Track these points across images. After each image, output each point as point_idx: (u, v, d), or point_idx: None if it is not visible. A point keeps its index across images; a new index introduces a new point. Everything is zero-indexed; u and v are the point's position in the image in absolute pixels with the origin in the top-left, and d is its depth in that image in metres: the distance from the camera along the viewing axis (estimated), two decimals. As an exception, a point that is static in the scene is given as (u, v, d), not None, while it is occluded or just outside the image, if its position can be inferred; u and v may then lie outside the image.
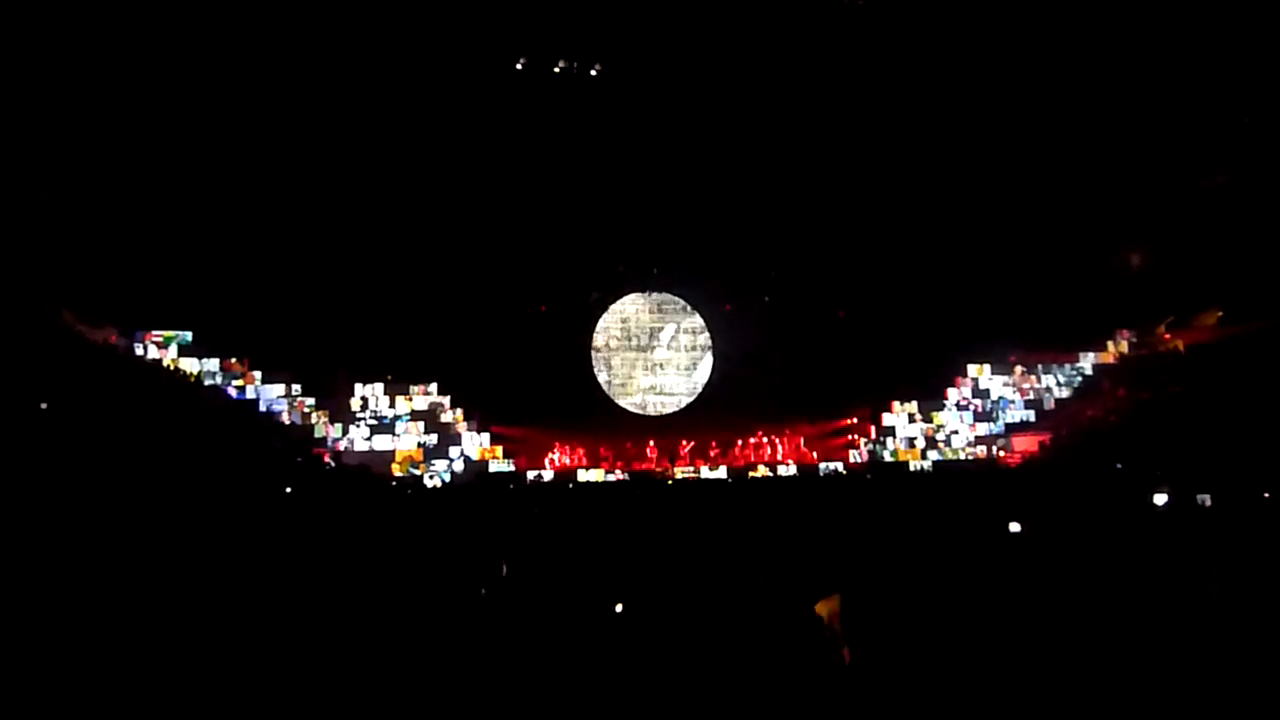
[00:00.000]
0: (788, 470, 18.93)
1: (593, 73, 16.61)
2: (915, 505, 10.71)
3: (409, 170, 17.74)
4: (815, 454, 19.78)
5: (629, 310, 21.17)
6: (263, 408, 17.29)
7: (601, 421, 19.91)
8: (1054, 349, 20.84)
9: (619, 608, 4.52)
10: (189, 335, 17.08)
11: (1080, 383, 20.79)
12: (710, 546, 7.16)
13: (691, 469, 18.85)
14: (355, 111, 16.45)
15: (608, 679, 3.73)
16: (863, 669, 3.69)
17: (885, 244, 19.79)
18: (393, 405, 18.33)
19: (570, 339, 20.45)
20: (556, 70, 16.52)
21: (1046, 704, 3.42)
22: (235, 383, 17.30)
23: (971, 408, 20.44)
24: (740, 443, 19.78)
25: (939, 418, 20.28)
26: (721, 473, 18.69)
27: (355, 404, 18.15)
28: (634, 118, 17.47)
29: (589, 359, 20.77)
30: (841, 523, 8.90)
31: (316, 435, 17.42)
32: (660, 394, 21.09)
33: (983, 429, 20.21)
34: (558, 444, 19.06)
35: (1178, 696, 3.38)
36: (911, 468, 19.25)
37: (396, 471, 17.40)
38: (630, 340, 21.09)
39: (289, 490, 11.35)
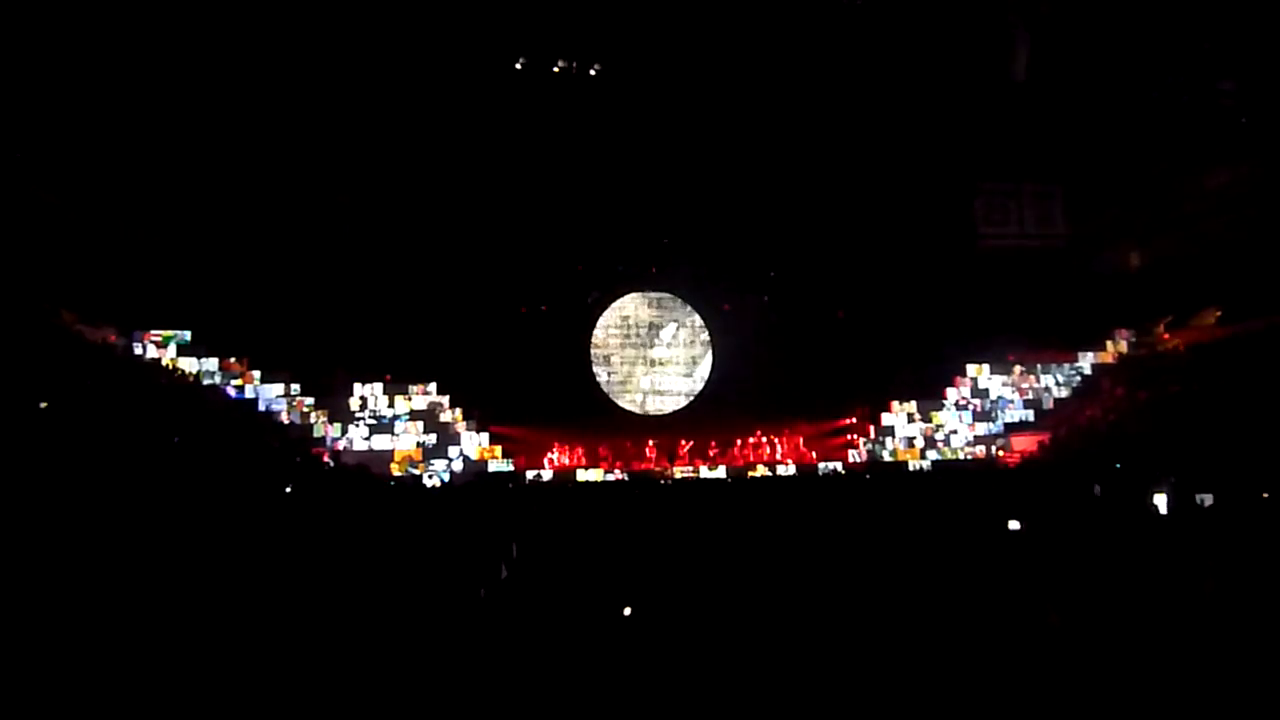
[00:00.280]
0: (787, 470, 18.95)
1: (592, 73, 16.61)
2: (914, 505, 10.69)
3: (408, 170, 17.74)
4: (814, 454, 19.79)
5: (629, 309, 21.19)
6: (262, 407, 17.29)
7: (601, 421, 19.92)
8: (1053, 349, 20.88)
9: (627, 611, 4.51)
10: (188, 335, 17.06)
11: (1079, 382, 20.81)
12: (710, 546, 7.16)
13: (691, 469, 18.86)
14: (355, 111, 16.44)
15: (608, 679, 3.72)
16: (862, 669, 3.69)
17: (885, 244, 19.80)
18: (392, 405, 18.33)
19: (570, 339, 20.46)
20: (556, 70, 16.52)
21: (1046, 703, 3.42)
22: (234, 382, 17.29)
23: (970, 407, 20.47)
24: (739, 442, 19.79)
25: (938, 417, 20.30)
26: (720, 472, 18.71)
27: (354, 403, 18.15)
28: (633, 117, 17.46)
29: (588, 358, 20.79)
30: (841, 523, 8.89)
31: (315, 435, 17.43)
32: (660, 394, 21.11)
33: (982, 429, 20.24)
34: (557, 444, 19.07)
35: (1178, 696, 3.38)
36: (911, 467, 19.27)
37: (395, 471, 17.40)
38: (630, 337, 21.11)
39: (288, 490, 11.32)
